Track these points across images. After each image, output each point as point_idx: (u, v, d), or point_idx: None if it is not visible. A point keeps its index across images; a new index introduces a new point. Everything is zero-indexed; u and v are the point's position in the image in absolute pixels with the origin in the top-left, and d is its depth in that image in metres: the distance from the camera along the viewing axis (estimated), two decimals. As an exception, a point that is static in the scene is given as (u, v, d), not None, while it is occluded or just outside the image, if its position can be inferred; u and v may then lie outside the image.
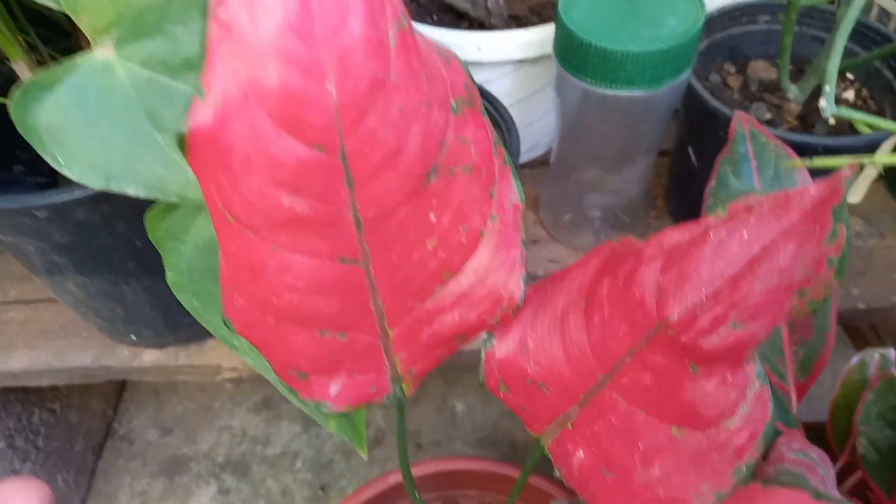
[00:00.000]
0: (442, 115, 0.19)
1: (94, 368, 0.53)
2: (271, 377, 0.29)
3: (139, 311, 0.47)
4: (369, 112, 0.17)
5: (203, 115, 0.16)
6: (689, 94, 0.47)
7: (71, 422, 0.69)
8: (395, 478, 0.54)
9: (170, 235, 0.28)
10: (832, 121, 0.50)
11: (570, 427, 0.26)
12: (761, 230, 0.20)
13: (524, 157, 0.60)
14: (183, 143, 0.16)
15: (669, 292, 0.22)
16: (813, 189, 0.20)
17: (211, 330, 0.29)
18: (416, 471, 0.55)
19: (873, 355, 0.43)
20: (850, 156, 0.39)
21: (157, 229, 0.28)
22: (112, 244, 0.40)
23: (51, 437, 0.66)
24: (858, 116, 0.33)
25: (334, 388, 0.24)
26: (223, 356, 0.52)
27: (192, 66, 0.23)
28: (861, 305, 0.53)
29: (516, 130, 0.45)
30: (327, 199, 0.19)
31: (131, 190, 0.24)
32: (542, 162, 0.62)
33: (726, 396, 0.21)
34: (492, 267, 0.23)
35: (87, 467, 0.72)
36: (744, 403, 0.21)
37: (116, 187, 0.24)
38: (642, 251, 0.23)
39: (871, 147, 0.43)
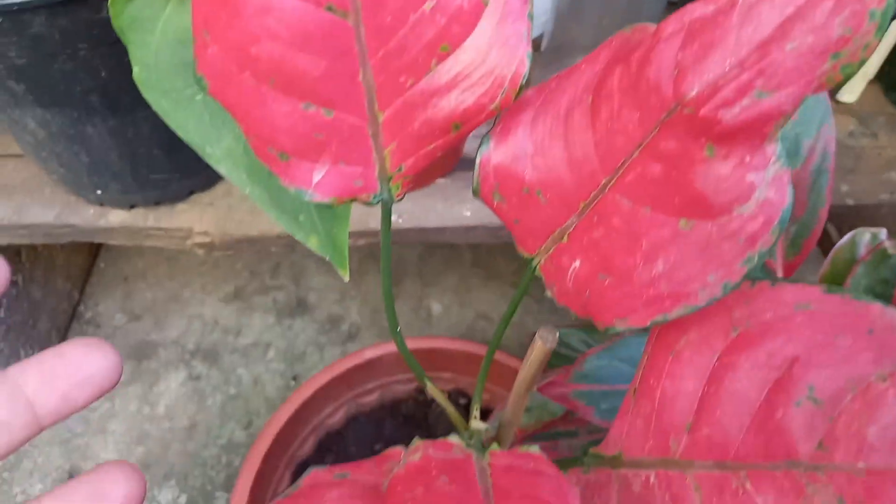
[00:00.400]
0: None
1: (57, 226, 0.50)
2: (248, 188, 0.27)
3: (105, 159, 0.44)
4: None
5: None
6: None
7: (34, 298, 0.67)
8: (372, 353, 0.53)
9: (136, 24, 0.26)
10: None
11: (566, 240, 0.24)
12: (797, -13, 0.18)
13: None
14: None
15: (689, 68, 0.20)
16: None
17: (182, 134, 0.27)
18: (391, 348, 0.54)
19: (864, 234, 0.43)
20: None
21: (121, 15, 0.25)
22: (73, 71, 0.37)
23: (13, 311, 0.63)
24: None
25: (317, 174, 0.22)
26: (194, 220, 0.50)
27: None
28: (850, 201, 0.52)
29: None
30: None
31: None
32: (532, 47, 0.59)
33: (742, 180, 0.20)
34: (495, 42, 0.21)
35: (51, 346, 0.70)
36: (761, 187, 0.19)
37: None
38: (660, 29, 0.21)
39: None
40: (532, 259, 0.26)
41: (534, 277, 0.26)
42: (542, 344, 0.27)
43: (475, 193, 0.25)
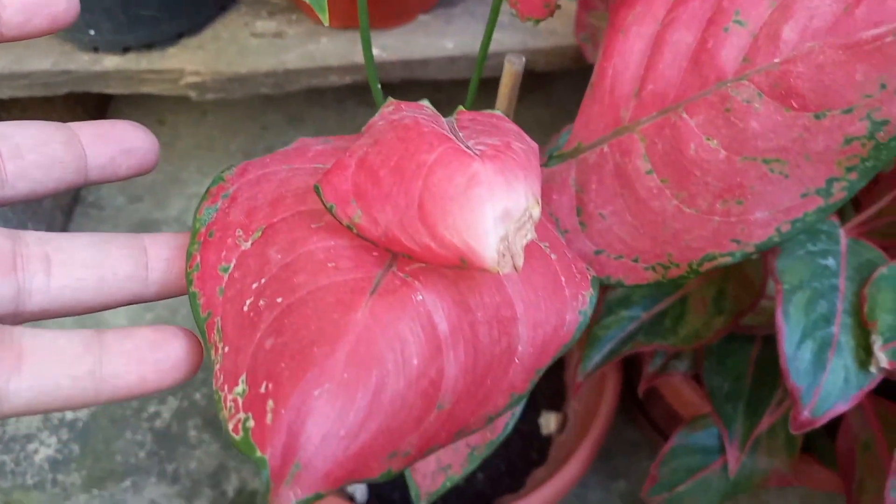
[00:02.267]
0: None
1: (54, 73, 0.52)
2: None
3: (96, -10, 0.46)
4: None
5: None
6: None
7: (37, 172, 0.69)
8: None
9: None
10: None
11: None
12: None
13: None
14: None
15: None
16: None
17: None
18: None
19: None
20: None
21: None
22: None
23: (17, 181, 0.66)
24: None
25: None
26: (185, 61, 0.52)
27: None
28: None
29: None
30: None
31: None
32: None
33: None
34: None
35: (56, 226, 0.73)
36: None
37: None
38: None
39: None
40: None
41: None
42: (511, 66, 0.30)
43: None
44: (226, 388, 0.16)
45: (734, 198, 0.19)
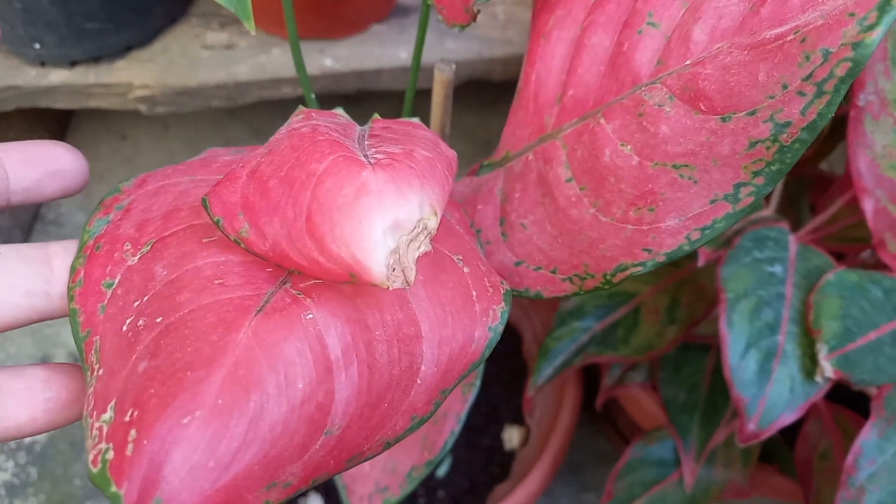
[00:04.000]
0: None
1: (1, 90, 0.51)
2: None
3: (37, 5, 0.45)
4: None
5: None
6: None
7: (-9, 191, 0.67)
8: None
9: None
10: None
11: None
12: None
13: None
14: None
15: None
16: None
17: None
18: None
19: None
20: None
21: None
22: None
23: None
24: None
25: None
26: (133, 75, 0.51)
27: None
28: None
29: None
30: None
31: None
32: None
33: None
34: None
35: (14, 242, 0.71)
36: None
37: None
38: None
39: None
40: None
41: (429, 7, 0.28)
42: (441, 74, 0.29)
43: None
44: (94, 414, 0.15)
45: (646, 205, 0.18)
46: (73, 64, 0.51)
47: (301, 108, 0.22)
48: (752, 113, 0.16)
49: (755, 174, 0.16)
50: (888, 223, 0.33)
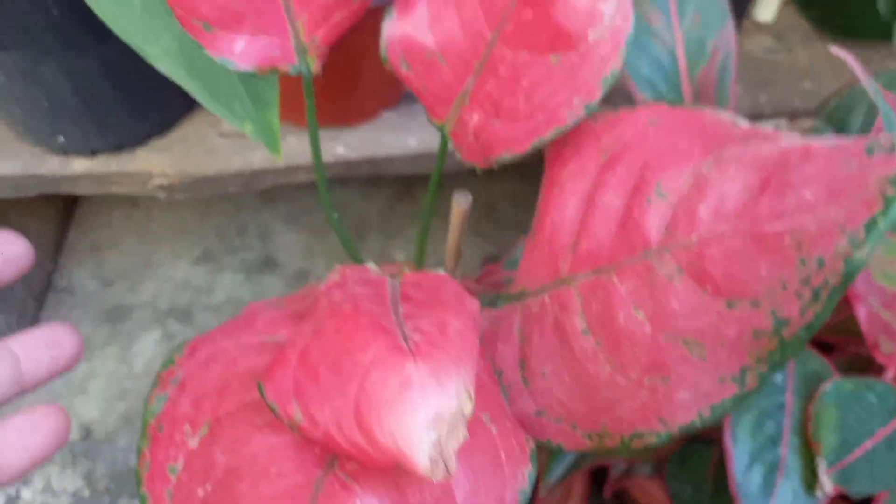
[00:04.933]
0: None
1: (23, 178, 0.53)
2: (186, 83, 0.30)
3: (62, 101, 0.47)
4: None
5: None
6: None
7: (7, 263, 0.69)
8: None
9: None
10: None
11: (467, 102, 0.28)
12: None
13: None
14: None
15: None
16: None
17: (124, 37, 0.30)
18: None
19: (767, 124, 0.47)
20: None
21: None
22: (27, 10, 0.40)
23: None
24: None
25: (238, 45, 0.25)
26: (154, 164, 0.53)
27: None
28: (767, 110, 0.56)
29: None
30: None
31: None
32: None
33: (594, 9, 0.23)
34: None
35: (28, 313, 0.73)
36: (608, 14, 0.23)
37: None
38: None
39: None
40: (443, 126, 0.29)
41: (447, 144, 0.30)
42: (458, 206, 0.31)
43: (384, 62, 0.28)
44: None
45: (659, 374, 0.20)
46: (94, 153, 0.53)
47: (337, 266, 0.24)
48: (756, 304, 0.18)
49: (759, 361, 0.18)
50: (881, 327, 0.35)
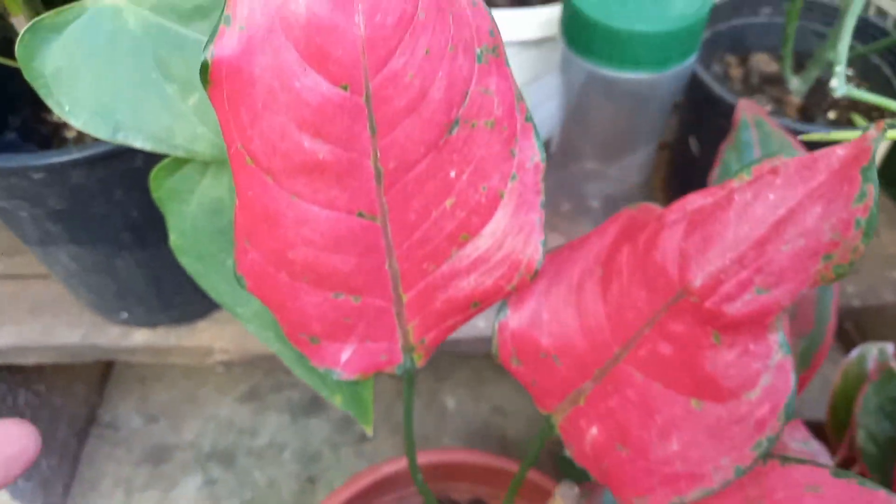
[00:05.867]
0: (467, 61, 0.19)
1: (83, 347, 0.51)
2: (276, 346, 0.28)
3: (131, 287, 0.46)
4: (396, 51, 0.17)
5: (227, 43, 0.15)
6: (693, 82, 0.46)
7: (55, 405, 0.67)
8: (389, 468, 0.54)
9: (174, 195, 0.27)
10: (832, 115, 0.50)
11: (582, 403, 0.25)
12: (788, 191, 0.20)
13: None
14: (206, 74, 0.16)
15: (692, 257, 0.22)
16: (840, 149, 0.19)
17: (213, 296, 0.29)
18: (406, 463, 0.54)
19: (871, 349, 0.43)
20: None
21: (160, 188, 0.27)
22: (108, 212, 0.39)
23: (35, 420, 0.64)
24: (869, 97, 0.32)
25: (345, 354, 0.24)
26: (215, 338, 0.51)
27: (203, 13, 0.22)
28: (856, 303, 0.53)
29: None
30: (349, 145, 0.18)
31: (138, 142, 0.23)
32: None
33: (748, 367, 0.21)
34: (510, 230, 0.23)
35: (70, 453, 0.71)
36: (766, 374, 0.20)
37: (123, 138, 0.23)
38: (664, 216, 0.23)
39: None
40: (550, 416, 0.27)
41: (551, 430, 0.27)
42: (563, 501, 0.28)
43: (494, 358, 0.26)
44: None
45: None
46: (154, 325, 0.51)
47: None
48: None
49: None
50: None
